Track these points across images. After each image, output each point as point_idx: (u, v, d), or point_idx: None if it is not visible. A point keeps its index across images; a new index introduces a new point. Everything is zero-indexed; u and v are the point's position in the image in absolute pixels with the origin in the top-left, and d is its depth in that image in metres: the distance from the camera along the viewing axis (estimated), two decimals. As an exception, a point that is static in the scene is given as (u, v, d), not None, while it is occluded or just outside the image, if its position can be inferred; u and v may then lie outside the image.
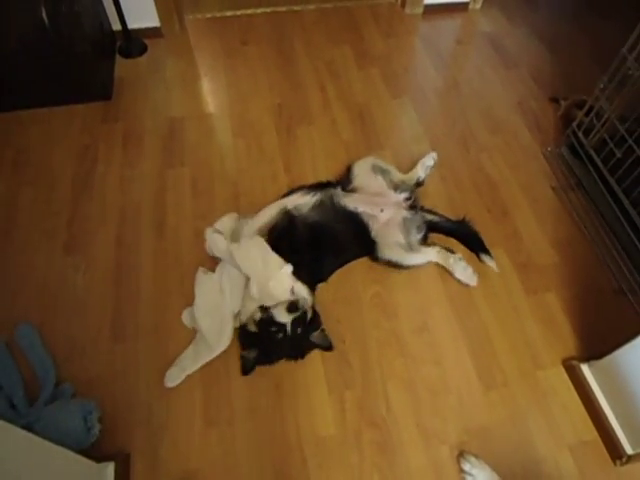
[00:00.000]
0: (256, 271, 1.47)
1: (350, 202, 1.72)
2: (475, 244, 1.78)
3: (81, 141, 2.07)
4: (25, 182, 1.93)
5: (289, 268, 1.48)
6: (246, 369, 1.47)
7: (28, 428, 1.26)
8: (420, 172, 1.91)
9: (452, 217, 1.86)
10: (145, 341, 1.56)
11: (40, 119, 2.14)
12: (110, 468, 1.27)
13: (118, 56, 2.44)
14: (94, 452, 1.30)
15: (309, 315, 1.49)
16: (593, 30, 2.70)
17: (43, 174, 1.96)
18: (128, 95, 2.27)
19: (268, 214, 1.67)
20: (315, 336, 1.51)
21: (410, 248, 1.69)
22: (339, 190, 1.75)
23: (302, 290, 1.51)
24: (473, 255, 1.77)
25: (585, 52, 2.56)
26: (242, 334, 1.50)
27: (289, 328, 1.43)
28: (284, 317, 1.43)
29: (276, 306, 1.44)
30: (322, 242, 1.64)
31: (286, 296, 1.47)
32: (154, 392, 1.47)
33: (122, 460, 1.31)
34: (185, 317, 1.60)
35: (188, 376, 1.49)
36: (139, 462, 1.35)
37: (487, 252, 1.75)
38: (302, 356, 1.50)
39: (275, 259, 1.49)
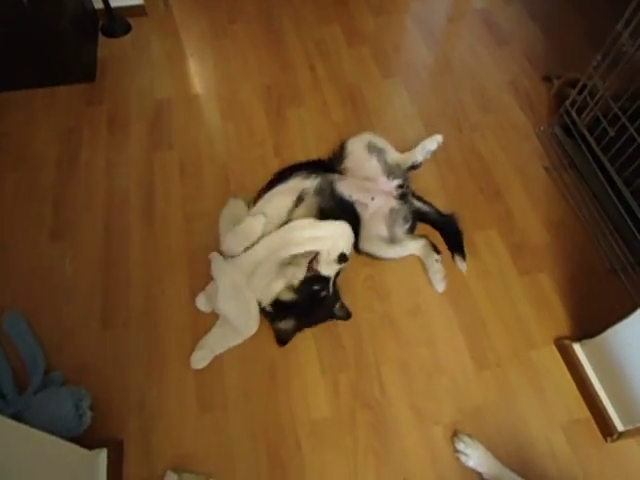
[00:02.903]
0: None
1: (345, 189, 1.67)
2: (454, 244, 1.74)
3: (65, 124, 2.02)
4: (7, 168, 1.88)
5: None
6: (284, 339, 1.48)
7: (18, 417, 1.25)
8: (419, 155, 1.81)
9: (442, 210, 1.81)
10: (136, 327, 1.54)
11: (21, 102, 2.07)
12: (103, 455, 1.26)
13: (101, 36, 2.36)
14: (86, 439, 1.28)
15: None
16: (586, 7, 2.65)
17: (26, 159, 1.91)
18: (112, 76, 2.20)
19: (283, 203, 1.59)
20: (337, 308, 1.54)
21: (392, 241, 1.67)
22: (336, 176, 1.70)
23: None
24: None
25: (578, 29, 2.52)
26: (275, 308, 1.48)
27: (331, 284, 1.46)
28: (330, 270, 1.46)
29: (319, 263, 1.45)
30: None
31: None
32: (146, 378, 1.46)
33: (115, 447, 1.31)
34: (199, 301, 1.58)
35: (181, 360, 1.48)
36: (132, 448, 1.34)
37: (462, 255, 1.71)
38: (319, 324, 1.53)
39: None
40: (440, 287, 1.65)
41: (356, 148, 1.78)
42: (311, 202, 1.59)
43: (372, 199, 1.69)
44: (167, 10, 2.50)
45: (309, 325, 1.52)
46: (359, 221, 1.67)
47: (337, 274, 1.51)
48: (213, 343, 1.49)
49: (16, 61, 2.02)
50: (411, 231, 1.72)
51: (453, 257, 1.72)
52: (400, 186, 1.74)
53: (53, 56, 2.03)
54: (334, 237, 1.49)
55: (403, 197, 1.73)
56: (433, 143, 1.83)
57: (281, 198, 1.60)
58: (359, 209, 1.68)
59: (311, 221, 1.52)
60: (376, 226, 1.67)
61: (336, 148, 1.85)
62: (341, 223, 1.53)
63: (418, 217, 1.76)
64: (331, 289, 1.49)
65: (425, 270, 1.69)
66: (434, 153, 1.84)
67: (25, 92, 2.10)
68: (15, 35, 1.91)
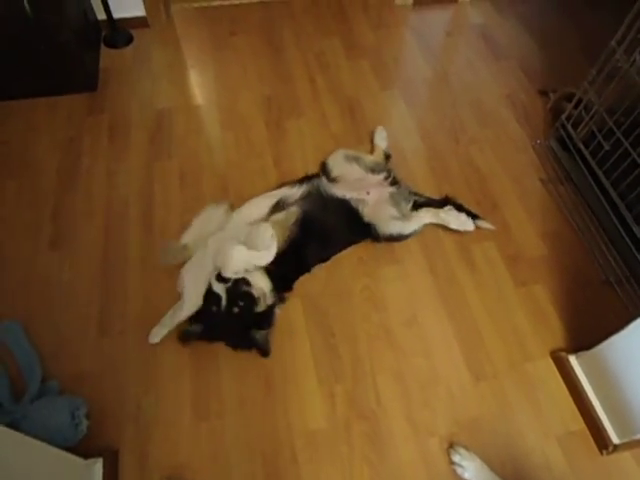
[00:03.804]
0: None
1: (338, 190, 1.73)
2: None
3: (66, 133, 2.03)
4: (8, 175, 1.89)
5: (242, 250, 1.46)
6: (184, 339, 1.48)
7: (14, 425, 1.25)
8: (380, 144, 1.99)
9: (435, 197, 1.89)
10: (133, 335, 1.54)
11: (23, 110, 2.09)
12: (98, 464, 1.26)
13: (103, 46, 2.39)
14: (82, 448, 1.28)
15: (258, 306, 1.47)
16: (582, 22, 2.70)
17: (26, 167, 1.92)
18: (114, 86, 2.23)
19: (261, 206, 1.66)
20: (258, 335, 1.47)
21: (404, 217, 1.73)
22: (324, 179, 1.77)
23: (262, 282, 1.50)
24: (462, 270, 1.76)
25: (574, 44, 2.56)
26: (205, 297, 1.50)
27: (224, 303, 1.43)
28: (218, 287, 1.45)
29: (213, 275, 1.46)
30: (311, 233, 1.63)
31: (233, 270, 1.45)
32: (142, 386, 1.46)
33: (110, 456, 1.31)
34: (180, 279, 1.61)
35: (178, 369, 1.48)
36: (128, 458, 1.34)
37: (477, 217, 1.82)
38: (238, 348, 1.49)
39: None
40: (470, 226, 1.75)
41: (336, 162, 1.85)
42: (294, 211, 1.64)
43: (367, 193, 1.74)
44: (169, 22, 2.53)
45: (211, 337, 1.49)
46: (359, 217, 1.72)
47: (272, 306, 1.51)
48: (166, 319, 1.54)
49: (19, 70, 2.04)
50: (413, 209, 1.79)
51: (473, 222, 1.79)
52: (387, 177, 1.82)
53: (55, 66, 2.06)
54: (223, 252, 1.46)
55: (395, 183, 1.82)
56: (381, 131, 2.04)
57: (260, 201, 1.68)
58: (357, 206, 1.73)
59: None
60: (385, 210, 1.73)
61: (319, 169, 1.89)
62: (235, 246, 1.47)
63: (417, 207, 1.81)
64: (231, 306, 1.45)
65: (446, 227, 1.77)
66: (387, 136, 2.04)
67: (27, 101, 2.12)
68: (18, 45, 1.93)
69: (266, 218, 1.62)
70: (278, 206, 1.65)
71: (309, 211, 1.65)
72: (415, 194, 1.86)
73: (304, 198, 1.68)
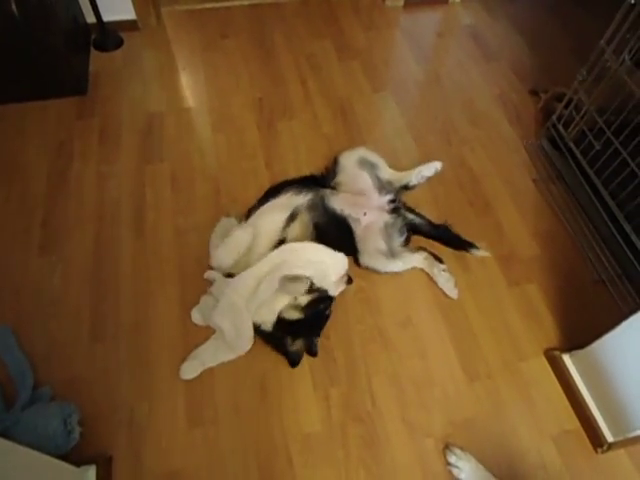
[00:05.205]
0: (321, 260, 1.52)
1: (337, 204, 1.69)
2: (459, 244, 1.77)
3: (56, 137, 2.02)
4: (-2, 180, 1.87)
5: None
6: (296, 361, 1.48)
7: (5, 433, 1.23)
8: (413, 178, 1.84)
9: (434, 220, 1.82)
10: (125, 340, 1.53)
11: (12, 115, 2.07)
12: (91, 471, 1.24)
13: (93, 50, 2.38)
14: (75, 456, 1.27)
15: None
16: (572, 22, 2.72)
17: (16, 172, 1.90)
18: (104, 90, 2.21)
19: (276, 221, 1.61)
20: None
21: (391, 254, 1.67)
22: (328, 191, 1.72)
23: None
24: (456, 270, 1.73)
25: (564, 44, 2.58)
26: (279, 328, 1.47)
27: (332, 302, 1.52)
28: (337, 290, 1.53)
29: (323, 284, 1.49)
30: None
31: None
32: (136, 392, 1.44)
33: (104, 463, 1.29)
34: (194, 315, 1.57)
35: (171, 375, 1.47)
36: (121, 464, 1.33)
37: (473, 245, 1.76)
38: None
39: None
40: (454, 294, 1.67)
41: (348, 163, 1.81)
42: (306, 219, 1.62)
43: (364, 214, 1.70)
44: (159, 24, 2.52)
45: (313, 341, 1.51)
46: (352, 235, 1.68)
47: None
48: (205, 355, 1.49)
49: (7, 75, 2.02)
50: (407, 243, 1.73)
51: (470, 253, 1.75)
52: (392, 201, 1.76)
53: (45, 70, 2.04)
54: (328, 264, 1.51)
55: (395, 211, 1.75)
56: (430, 169, 1.87)
57: (273, 214, 1.62)
58: (352, 223, 1.69)
59: (313, 245, 1.54)
60: (373, 240, 1.67)
61: (330, 162, 1.87)
62: (337, 253, 1.55)
63: (412, 229, 1.77)
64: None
65: (434, 281, 1.70)
66: (429, 179, 1.88)
67: (16, 105, 2.10)
68: (6, 49, 1.91)
69: (283, 233, 1.59)
70: (292, 217, 1.61)
71: (317, 222, 1.64)
72: (412, 212, 1.80)
73: (310, 209, 1.64)
